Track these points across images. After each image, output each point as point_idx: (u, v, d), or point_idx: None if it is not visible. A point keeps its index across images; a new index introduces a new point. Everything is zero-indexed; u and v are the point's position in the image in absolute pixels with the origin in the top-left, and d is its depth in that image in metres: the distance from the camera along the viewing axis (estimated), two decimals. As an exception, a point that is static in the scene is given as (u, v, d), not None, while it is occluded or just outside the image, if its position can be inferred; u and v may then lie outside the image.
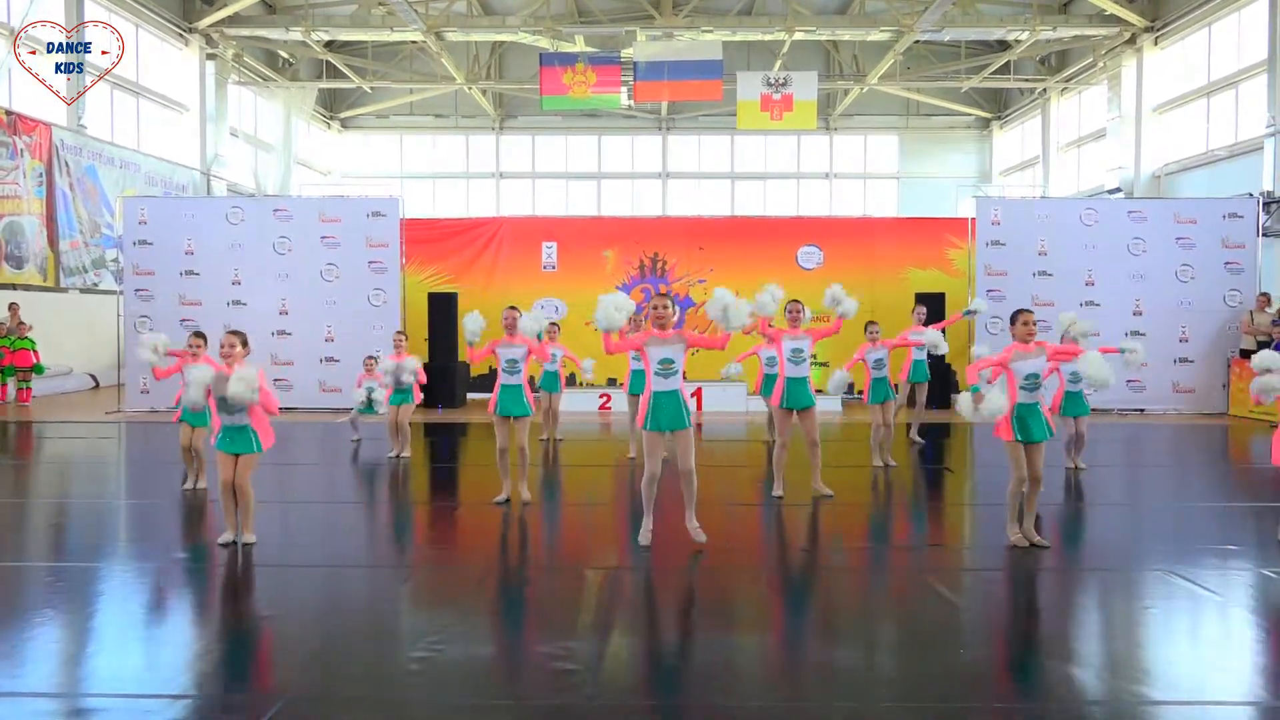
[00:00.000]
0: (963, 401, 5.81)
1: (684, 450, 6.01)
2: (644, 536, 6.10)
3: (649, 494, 6.11)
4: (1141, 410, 14.23)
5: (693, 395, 14.30)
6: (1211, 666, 4.25)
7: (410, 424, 10.91)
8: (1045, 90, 26.31)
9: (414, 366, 9.73)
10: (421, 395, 10.00)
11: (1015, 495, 5.99)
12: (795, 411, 7.56)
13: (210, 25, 21.77)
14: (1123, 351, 7.60)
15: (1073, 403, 8.49)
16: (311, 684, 3.96)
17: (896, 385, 10.07)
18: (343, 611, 4.95)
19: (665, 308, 6.00)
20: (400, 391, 9.75)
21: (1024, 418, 5.86)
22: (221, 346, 6.07)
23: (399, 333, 10.39)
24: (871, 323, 9.27)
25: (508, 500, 7.35)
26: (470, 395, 15.07)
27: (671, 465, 6.16)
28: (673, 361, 5.93)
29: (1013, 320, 6.03)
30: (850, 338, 10.03)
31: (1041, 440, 5.89)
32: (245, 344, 6.12)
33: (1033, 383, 5.88)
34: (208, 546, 6.10)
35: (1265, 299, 13.81)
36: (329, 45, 24.90)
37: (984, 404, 5.70)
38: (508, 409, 7.31)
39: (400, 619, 4.96)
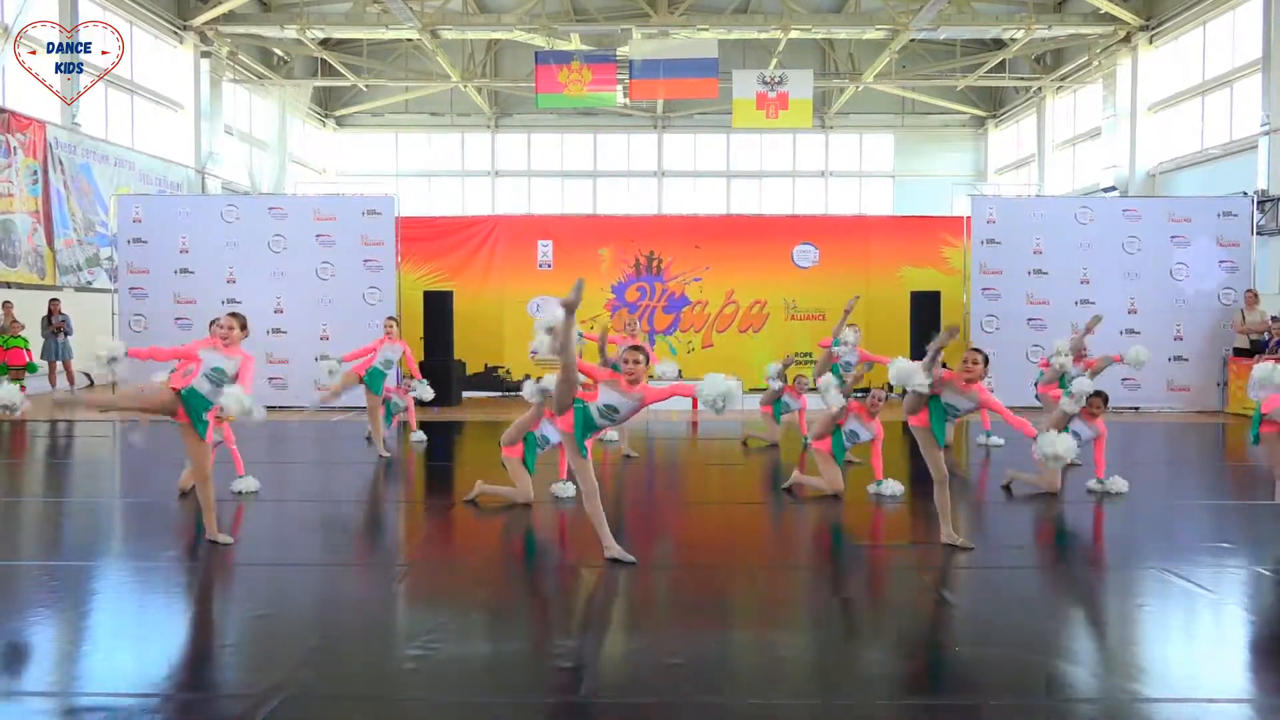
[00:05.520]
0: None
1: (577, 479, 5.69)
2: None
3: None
4: (1137, 409, 14.26)
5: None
6: (1206, 664, 4.26)
7: (403, 423, 10.89)
8: (1040, 89, 26.35)
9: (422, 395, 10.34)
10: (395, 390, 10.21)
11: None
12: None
13: (205, 23, 21.72)
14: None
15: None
16: (308, 681, 3.95)
17: None
18: (339, 609, 4.94)
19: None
20: (371, 375, 9.73)
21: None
22: (220, 328, 5.94)
23: (389, 319, 10.39)
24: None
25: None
26: (466, 394, 15.06)
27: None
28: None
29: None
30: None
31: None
32: (244, 328, 6.03)
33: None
34: (204, 545, 6.08)
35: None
36: (324, 43, 24.84)
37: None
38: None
39: (397, 616, 4.95)
